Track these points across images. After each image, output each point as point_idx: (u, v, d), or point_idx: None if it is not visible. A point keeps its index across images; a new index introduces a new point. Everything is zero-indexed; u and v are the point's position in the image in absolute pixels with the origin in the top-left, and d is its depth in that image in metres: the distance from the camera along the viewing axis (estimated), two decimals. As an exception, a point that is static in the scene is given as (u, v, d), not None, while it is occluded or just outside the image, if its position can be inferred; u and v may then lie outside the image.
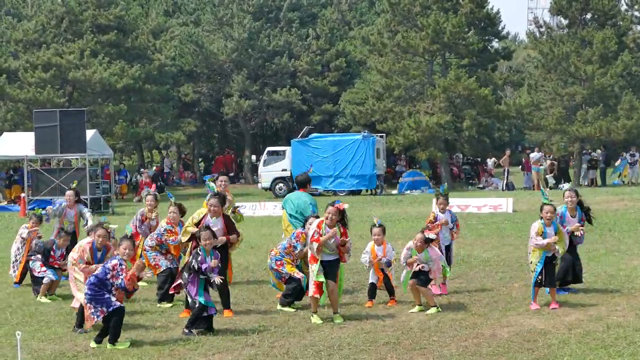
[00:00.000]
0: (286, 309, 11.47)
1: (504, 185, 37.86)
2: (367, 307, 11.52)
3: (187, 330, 10.05)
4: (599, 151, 40.81)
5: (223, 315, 10.94)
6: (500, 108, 40.32)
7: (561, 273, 11.77)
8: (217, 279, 10.11)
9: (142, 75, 41.48)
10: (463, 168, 46.15)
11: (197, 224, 10.93)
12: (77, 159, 33.89)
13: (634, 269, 14.09)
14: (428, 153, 40.29)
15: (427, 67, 41.47)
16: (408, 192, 36.83)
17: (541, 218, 11.18)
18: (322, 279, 10.56)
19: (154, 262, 12.29)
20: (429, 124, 38.38)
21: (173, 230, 12.33)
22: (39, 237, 14.07)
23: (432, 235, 11.56)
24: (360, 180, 36.95)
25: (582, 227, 12.08)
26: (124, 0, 47.55)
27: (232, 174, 48.17)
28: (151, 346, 9.52)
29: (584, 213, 12.28)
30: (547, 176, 37.91)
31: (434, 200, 13.86)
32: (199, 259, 10.16)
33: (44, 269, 12.89)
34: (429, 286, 11.39)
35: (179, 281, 10.52)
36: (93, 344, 9.56)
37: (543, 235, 11.08)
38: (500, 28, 44.03)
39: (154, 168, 47.65)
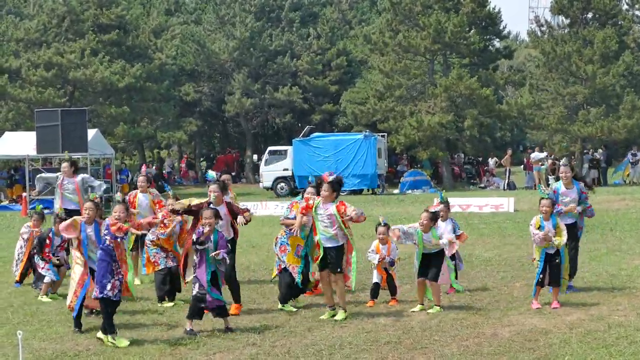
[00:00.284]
0: (287, 306, 11.44)
1: (506, 184, 37.85)
2: (369, 307, 11.50)
3: (188, 328, 10.04)
4: (600, 151, 40.77)
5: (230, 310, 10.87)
6: (502, 108, 40.33)
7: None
8: (221, 254, 10.02)
9: (143, 74, 41.49)
10: (464, 168, 46.16)
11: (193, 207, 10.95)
12: (78, 158, 33.88)
13: (636, 269, 14.08)
14: (429, 153, 40.30)
15: (429, 66, 41.48)
16: (409, 191, 36.82)
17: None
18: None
19: (153, 259, 12.26)
20: (431, 124, 38.38)
21: (166, 224, 12.26)
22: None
23: (437, 209, 11.42)
24: (362, 180, 36.94)
25: (582, 205, 12.02)
26: (125, 0, 47.56)
27: (233, 174, 48.18)
28: (152, 345, 9.51)
29: (582, 182, 12.33)
30: (549, 176, 37.85)
31: (436, 200, 13.80)
32: (197, 232, 10.19)
33: (48, 266, 12.87)
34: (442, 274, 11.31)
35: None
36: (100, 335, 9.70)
37: (540, 228, 11.10)
38: (501, 27, 44.02)
39: (154, 167, 47.64)
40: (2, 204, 34.33)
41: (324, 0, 58.51)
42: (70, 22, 42.75)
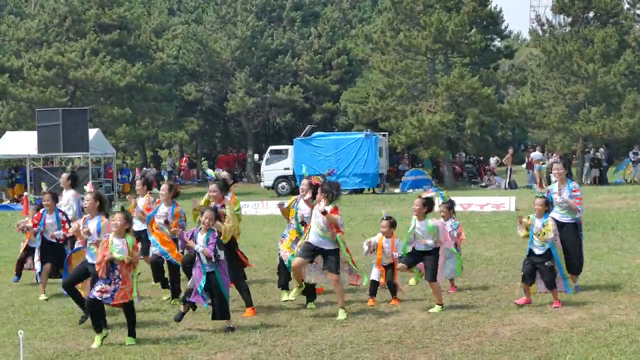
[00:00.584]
0: (285, 294, 11.63)
1: (507, 183, 37.85)
2: (370, 306, 11.46)
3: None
4: (601, 150, 40.72)
5: (244, 314, 10.98)
6: (503, 107, 40.31)
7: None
8: (207, 251, 10.05)
9: (144, 74, 41.52)
10: (466, 167, 46.14)
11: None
12: (79, 157, 33.93)
13: (637, 268, 14.07)
14: (430, 152, 40.27)
15: (430, 65, 41.46)
16: (411, 191, 36.78)
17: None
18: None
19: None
20: (432, 123, 38.36)
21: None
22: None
23: (430, 194, 11.34)
24: (363, 179, 36.95)
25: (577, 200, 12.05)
26: (127, 0, 47.58)
27: (235, 173, 48.10)
28: (153, 345, 9.52)
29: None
30: (550, 174, 37.86)
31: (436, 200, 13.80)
32: (190, 232, 10.30)
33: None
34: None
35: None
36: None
37: (531, 227, 11.14)
38: (502, 27, 44.00)
39: (153, 168, 47.67)
40: (3, 203, 34.35)
41: (325, 0, 58.53)
42: (72, 21, 42.78)
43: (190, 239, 10.20)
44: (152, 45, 45.53)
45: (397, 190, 37.68)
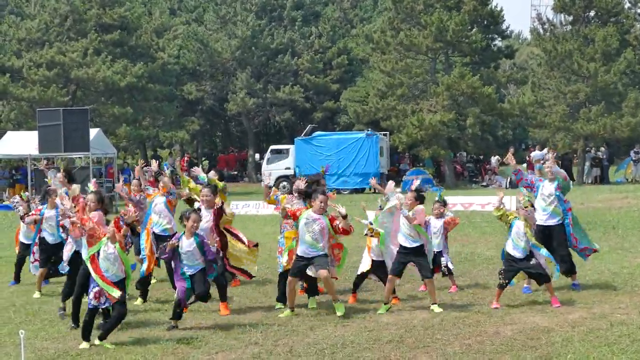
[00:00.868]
0: (280, 306, 11.58)
1: (508, 183, 37.83)
2: (371, 306, 11.42)
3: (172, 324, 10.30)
4: (602, 149, 40.69)
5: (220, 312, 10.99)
6: (504, 106, 40.28)
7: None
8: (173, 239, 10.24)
9: (145, 73, 41.52)
10: (467, 166, 46.13)
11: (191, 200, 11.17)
12: (80, 157, 33.91)
13: (638, 267, 14.06)
14: (431, 151, 40.25)
15: (430, 65, 41.46)
16: (411, 190, 36.75)
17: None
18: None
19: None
20: (432, 122, 38.35)
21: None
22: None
23: (417, 185, 11.65)
24: (364, 179, 36.92)
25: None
26: (128, 0, 47.58)
27: (235, 172, 48.25)
28: (154, 344, 9.52)
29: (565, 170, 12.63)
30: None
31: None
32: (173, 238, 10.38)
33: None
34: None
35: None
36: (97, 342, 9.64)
37: (510, 227, 11.29)
38: (503, 26, 43.99)
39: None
40: (3, 203, 34.34)
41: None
42: (73, 21, 42.77)
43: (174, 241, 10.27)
44: (153, 45, 45.53)
45: (398, 190, 37.58)
